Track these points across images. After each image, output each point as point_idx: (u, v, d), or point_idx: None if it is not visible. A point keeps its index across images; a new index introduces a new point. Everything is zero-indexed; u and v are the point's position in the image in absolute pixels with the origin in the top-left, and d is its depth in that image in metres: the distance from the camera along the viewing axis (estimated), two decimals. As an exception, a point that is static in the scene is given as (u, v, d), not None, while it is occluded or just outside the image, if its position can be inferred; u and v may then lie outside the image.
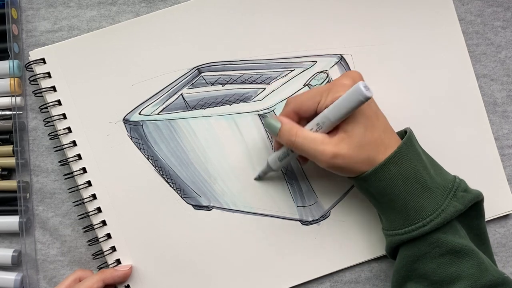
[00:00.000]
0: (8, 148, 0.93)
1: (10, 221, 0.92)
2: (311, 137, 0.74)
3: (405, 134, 0.79)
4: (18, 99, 0.92)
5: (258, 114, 0.84)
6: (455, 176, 0.78)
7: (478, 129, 0.90)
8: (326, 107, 0.73)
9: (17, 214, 0.92)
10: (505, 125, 0.92)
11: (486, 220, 0.87)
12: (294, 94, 0.83)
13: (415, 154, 0.76)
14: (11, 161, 0.93)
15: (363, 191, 0.80)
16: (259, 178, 0.89)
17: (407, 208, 0.75)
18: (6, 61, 0.92)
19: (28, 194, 0.93)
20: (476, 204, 0.77)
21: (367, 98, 0.69)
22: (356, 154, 0.73)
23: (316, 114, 0.75)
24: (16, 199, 0.92)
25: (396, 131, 0.79)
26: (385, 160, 0.73)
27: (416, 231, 0.74)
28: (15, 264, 0.93)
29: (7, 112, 0.93)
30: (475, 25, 0.92)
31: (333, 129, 0.74)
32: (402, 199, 0.75)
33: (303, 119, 0.77)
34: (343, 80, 0.74)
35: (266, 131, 0.87)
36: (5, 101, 0.93)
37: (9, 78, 0.92)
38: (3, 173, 0.93)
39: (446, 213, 0.73)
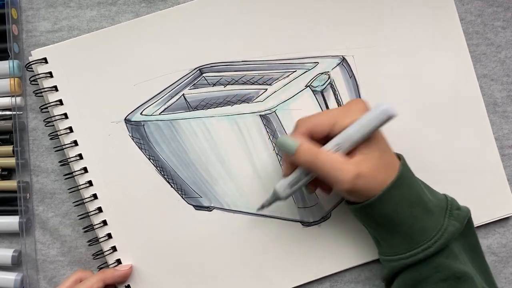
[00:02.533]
0: (8, 148, 0.93)
1: (10, 221, 0.92)
2: (332, 157, 0.72)
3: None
4: (18, 99, 0.92)
5: (260, 115, 0.84)
6: (445, 195, 0.78)
7: (479, 129, 0.90)
8: (343, 129, 0.73)
9: (17, 214, 0.92)
10: (505, 125, 0.92)
11: (486, 221, 0.88)
12: (304, 116, 0.79)
13: (414, 177, 0.77)
14: (11, 161, 0.93)
15: (365, 218, 0.80)
16: (262, 207, 0.86)
17: (412, 231, 0.74)
18: (6, 61, 0.92)
19: (28, 194, 0.93)
20: (468, 220, 0.78)
21: (393, 116, 0.70)
22: (375, 175, 0.73)
23: (328, 137, 0.75)
24: (16, 199, 0.92)
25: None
26: (390, 185, 0.73)
27: (421, 253, 0.74)
28: (15, 264, 0.93)
29: (7, 112, 0.93)
30: (475, 25, 0.92)
31: (349, 153, 0.74)
32: (407, 223, 0.74)
33: (314, 141, 0.76)
34: (358, 104, 0.75)
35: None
36: (5, 101, 0.93)
37: (9, 78, 0.92)
38: (3, 173, 0.93)
39: (448, 233, 0.73)
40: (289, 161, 0.78)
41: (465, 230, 0.77)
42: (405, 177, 0.75)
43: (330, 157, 0.72)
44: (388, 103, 0.70)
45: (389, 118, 0.71)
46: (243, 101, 0.87)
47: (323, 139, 0.75)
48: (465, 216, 0.76)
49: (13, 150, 0.92)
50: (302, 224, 0.90)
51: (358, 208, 0.77)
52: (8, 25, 0.90)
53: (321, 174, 0.74)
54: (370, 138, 0.73)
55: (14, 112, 0.92)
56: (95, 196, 0.90)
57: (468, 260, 0.77)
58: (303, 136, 0.75)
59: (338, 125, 0.73)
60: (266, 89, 0.87)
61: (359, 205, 0.76)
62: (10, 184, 0.93)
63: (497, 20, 0.93)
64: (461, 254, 0.76)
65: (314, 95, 0.85)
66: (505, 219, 0.92)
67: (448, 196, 0.78)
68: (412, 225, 0.74)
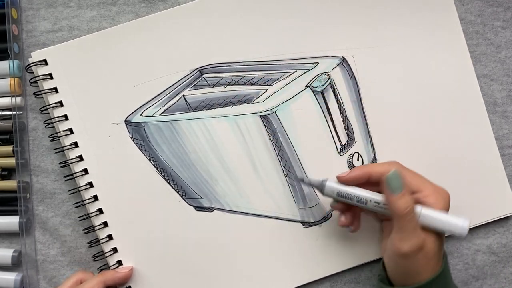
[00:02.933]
0: (8, 148, 0.93)
1: (10, 221, 0.92)
2: (415, 220, 0.73)
3: None
4: (18, 99, 0.92)
5: (260, 116, 0.84)
6: None
7: (479, 129, 0.90)
8: (423, 203, 0.74)
9: (17, 214, 0.92)
10: (505, 125, 0.92)
11: (486, 221, 0.89)
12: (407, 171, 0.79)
13: (450, 278, 0.77)
14: (11, 161, 0.93)
15: None
16: (302, 180, 0.86)
17: None
18: (6, 61, 0.92)
19: (28, 194, 0.93)
20: None
21: (462, 236, 0.72)
22: (430, 258, 0.73)
23: None
24: (16, 199, 0.92)
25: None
26: (431, 279, 0.73)
27: None
28: (15, 264, 0.93)
29: (7, 112, 0.93)
30: (475, 25, 0.92)
31: None
32: None
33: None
34: (446, 194, 0.76)
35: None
36: (5, 101, 0.93)
37: (9, 78, 0.92)
38: (3, 173, 0.93)
39: None
40: (367, 177, 0.77)
41: None
42: (445, 275, 0.75)
43: (414, 219, 0.72)
44: (467, 223, 0.72)
45: (459, 236, 0.73)
46: (243, 102, 0.87)
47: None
48: None
49: (13, 150, 0.92)
50: (303, 225, 0.90)
51: None
52: (8, 25, 0.90)
53: (396, 226, 0.74)
54: None
55: (14, 112, 0.92)
56: (95, 198, 0.90)
57: None
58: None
59: (421, 198, 0.74)
60: (266, 89, 0.87)
61: None
62: (10, 184, 0.93)
63: (497, 20, 0.93)
64: None
65: (314, 95, 0.85)
66: (505, 219, 0.92)
67: None
68: None
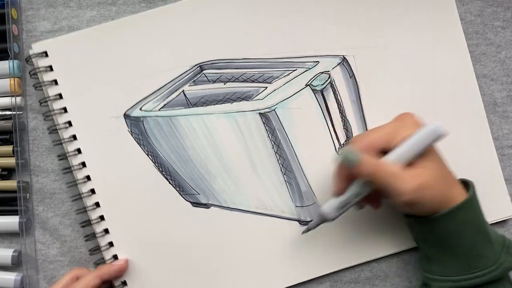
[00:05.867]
0: (8, 148, 0.93)
1: (10, 221, 0.92)
2: (393, 169, 0.72)
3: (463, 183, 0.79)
4: (18, 99, 0.92)
5: (259, 113, 0.84)
6: (502, 234, 0.79)
7: (477, 130, 0.91)
8: (398, 144, 0.74)
9: (17, 214, 0.92)
10: (505, 125, 0.92)
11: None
12: (360, 133, 0.83)
13: (480, 206, 0.77)
14: (11, 161, 0.93)
15: (423, 233, 0.80)
16: (308, 231, 0.87)
17: (469, 256, 0.75)
18: (6, 61, 0.92)
19: (28, 194, 0.93)
20: None
21: (443, 136, 0.72)
22: (436, 185, 0.73)
23: (382, 152, 0.75)
24: (16, 199, 0.92)
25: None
26: (460, 204, 0.74)
27: (472, 280, 0.74)
28: (15, 264, 0.93)
29: (7, 112, 0.93)
30: (475, 25, 0.93)
31: (406, 167, 0.74)
32: (466, 247, 0.75)
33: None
34: (410, 118, 0.76)
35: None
36: (5, 101, 0.93)
37: (9, 78, 0.92)
38: (3, 173, 0.93)
39: (503, 268, 0.74)
40: (346, 176, 0.78)
41: None
42: (473, 201, 0.76)
43: (391, 169, 0.73)
44: (439, 123, 0.71)
45: (440, 137, 0.72)
46: (243, 99, 0.88)
47: (376, 155, 0.75)
48: None
49: (13, 150, 0.92)
50: (300, 223, 0.90)
51: (422, 221, 0.77)
52: (8, 25, 0.91)
53: (383, 186, 0.74)
54: (426, 151, 0.74)
55: (14, 112, 0.92)
56: (92, 191, 0.90)
57: None
58: (361, 150, 0.75)
59: (394, 140, 0.74)
60: (266, 87, 0.87)
61: (424, 218, 0.76)
62: (10, 184, 0.93)
63: (497, 20, 0.93)
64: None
65: (314, 94, 0.85)
66: (504, 220, 0.92)
67: (505, 236, 0.79)
68: (470, 250, 0.75)
